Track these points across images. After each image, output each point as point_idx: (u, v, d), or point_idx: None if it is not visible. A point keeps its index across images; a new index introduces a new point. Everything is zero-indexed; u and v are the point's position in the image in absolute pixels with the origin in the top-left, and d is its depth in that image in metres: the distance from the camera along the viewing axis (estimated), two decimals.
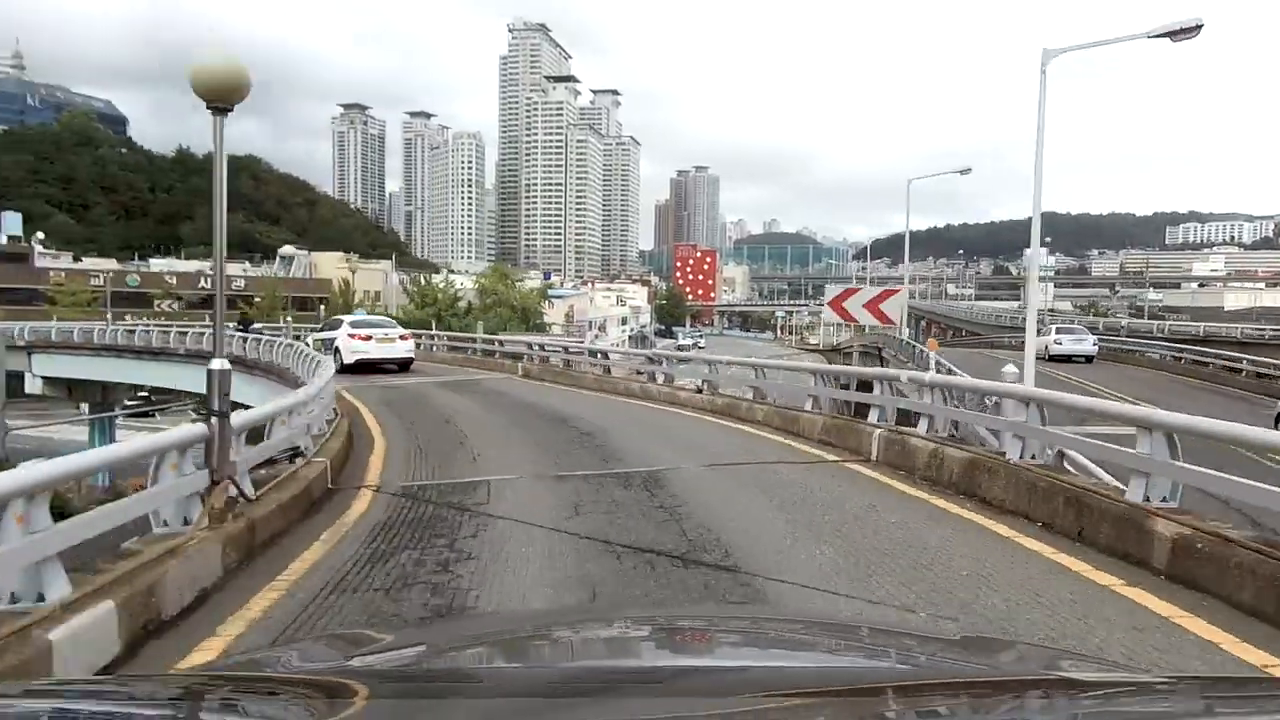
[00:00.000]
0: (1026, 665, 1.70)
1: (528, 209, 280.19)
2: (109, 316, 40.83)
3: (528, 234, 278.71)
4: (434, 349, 27.74)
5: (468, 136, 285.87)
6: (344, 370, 18.65)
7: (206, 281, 73.54)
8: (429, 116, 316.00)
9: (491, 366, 23.53)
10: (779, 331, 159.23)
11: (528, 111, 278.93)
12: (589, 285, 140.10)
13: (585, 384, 19.00)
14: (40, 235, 67.90)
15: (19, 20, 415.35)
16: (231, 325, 28.86)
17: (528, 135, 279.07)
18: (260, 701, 1.23)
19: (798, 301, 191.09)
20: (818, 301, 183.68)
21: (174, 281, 68.21)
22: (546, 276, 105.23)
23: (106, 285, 59.50)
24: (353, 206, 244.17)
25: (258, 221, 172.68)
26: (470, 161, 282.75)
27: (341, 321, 23.43)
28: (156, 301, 54.02)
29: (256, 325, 29.72)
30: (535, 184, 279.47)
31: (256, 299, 65.37)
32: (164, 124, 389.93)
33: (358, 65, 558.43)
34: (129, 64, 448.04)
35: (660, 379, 17.01)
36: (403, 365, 22.09)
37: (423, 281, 72.35)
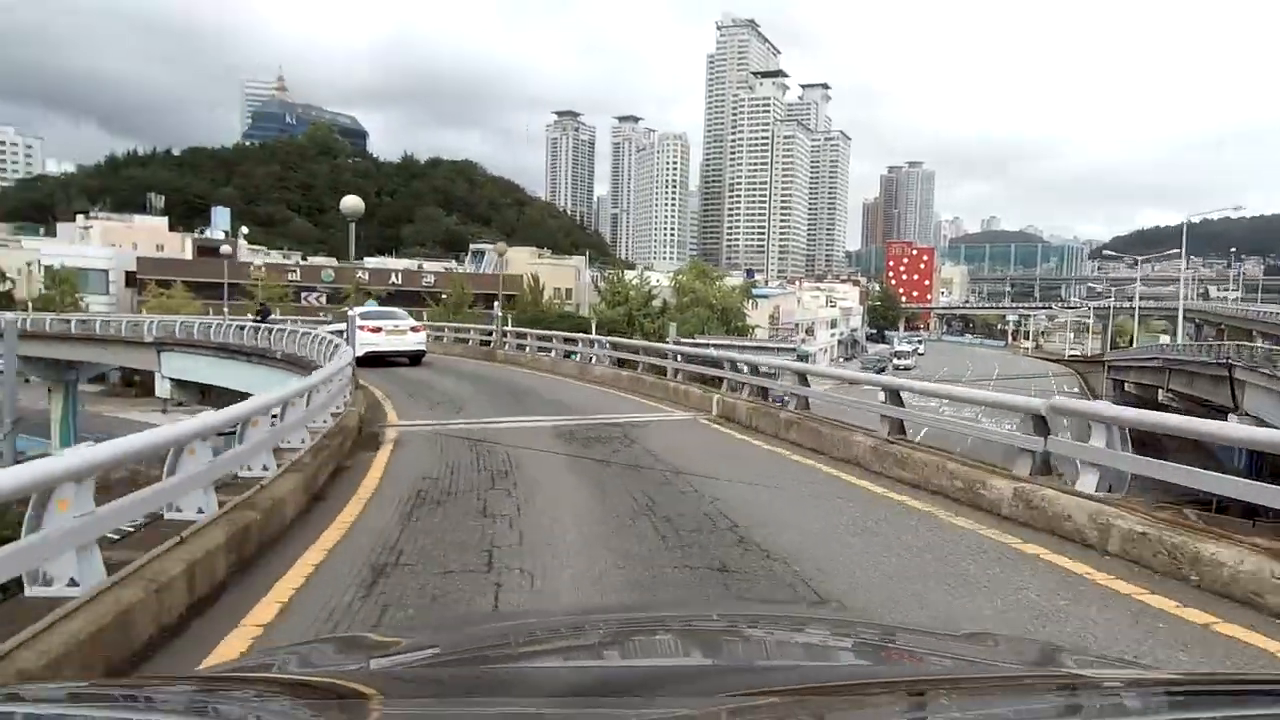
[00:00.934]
0: (1031, 662, 1.67)
1: (730, 208, 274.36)
2: (218, 312, 37.70)
3: (730, 234, 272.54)
4: (592, 361, 19.71)
5: (673, 138, 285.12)
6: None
7: (397, 277, 72.21)
8: (636, 120, 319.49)
9: (667, 395, 15.04)
10: (1010, 338, 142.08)
11: (734, 109, 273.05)
12: (796, 284, 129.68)
13: (855, 457, 9.15)
14: (245, 230, 68.58)
15: (282, 49, 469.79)
16: (250, 315, 28.53)
17: (733, 133, 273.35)
18: (275, 704, 1.22)
19: (1027, 304, 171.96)
20: (1061, 304, 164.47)
21: (365, 277, 66.50)
22: (749, 274, 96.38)
23: (257, 279, 58.06)
24: (560, 209, 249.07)
25: (470, 223, 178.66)
26: (675, 162, 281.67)
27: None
28: (304, 295, 51.31)
29: (274, 315, 29.81)
30: (739, 183, 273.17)
31: (443, 295, 62.38)
32: (396, 136, 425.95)
33: (572, 74, 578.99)
34: (371, 84, 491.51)
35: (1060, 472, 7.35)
36: (414, 359, 21.05)
37: (614, 279, 66.26)
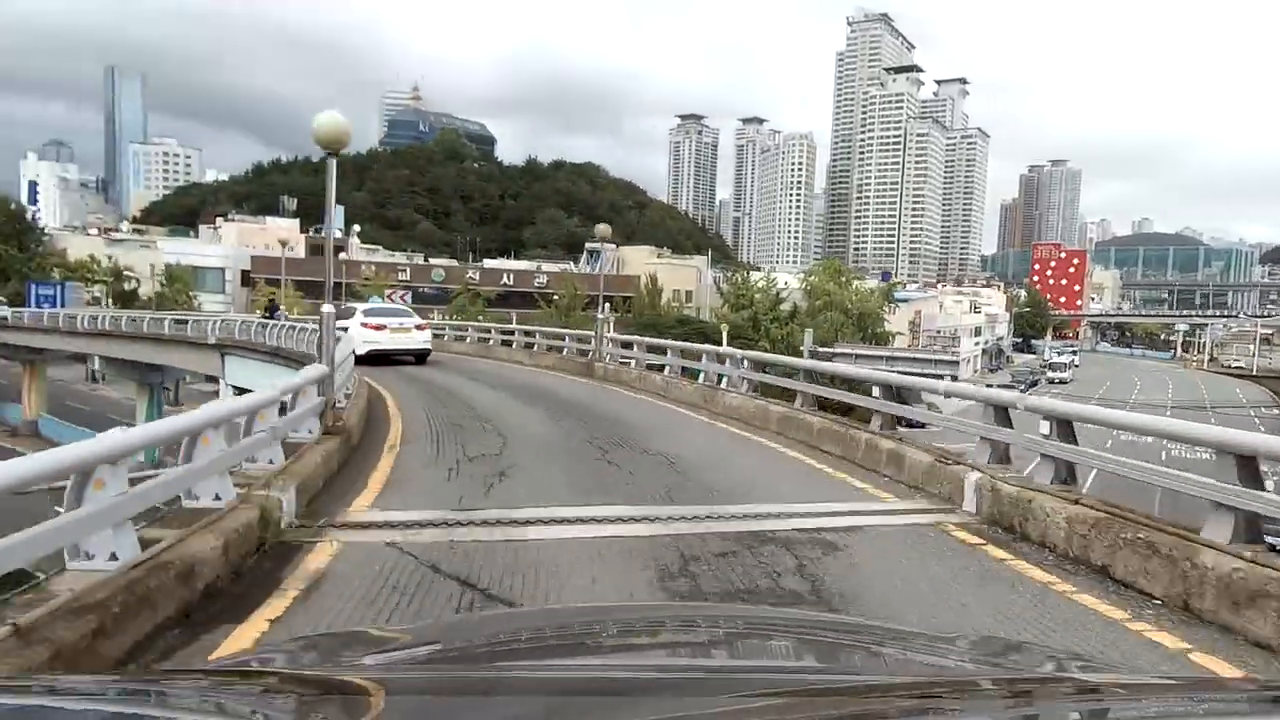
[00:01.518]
0: (1039, 668, 1.69)
1: (858, 210, 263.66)
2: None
3: (857, 237, 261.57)
4: (723, 384, 13.60)
5: (798, 138, 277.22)
6: (357, 362, 15.45)
7: (508, 277, 69.04)
8: (761, 122, 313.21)
9: (850, 451, 9.14)
10: (1179, 350, 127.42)
11: (864, 107, 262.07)
12: (937, 287, 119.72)
13: None
14: (357, 228, 66.91)
15: (418, 61, 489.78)
16: (259, 312, 29.21)
17: (863, 133, 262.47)
18: (277, 699, 1.22)
19: (1190, 311, 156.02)
20: (1235, 312, 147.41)
21: (476, 277, 63.46)
22: (884, 277, 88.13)
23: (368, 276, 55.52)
24: (682, 212, 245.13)
25: (591, 225, 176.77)
26: (800, 164, 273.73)
27: (355, 310, 21.25)
28: (388, 291, 48.08)
29: (281, 310, 29.69)
30: (868, 184, 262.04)
31: (555, 296, 58.61)
32: (523, 142, 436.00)
33: (696, 78, 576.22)
34: (501, 93, 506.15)
35: None
36: (419, 358, 20.86)
37: (739, 280, 60.44)
